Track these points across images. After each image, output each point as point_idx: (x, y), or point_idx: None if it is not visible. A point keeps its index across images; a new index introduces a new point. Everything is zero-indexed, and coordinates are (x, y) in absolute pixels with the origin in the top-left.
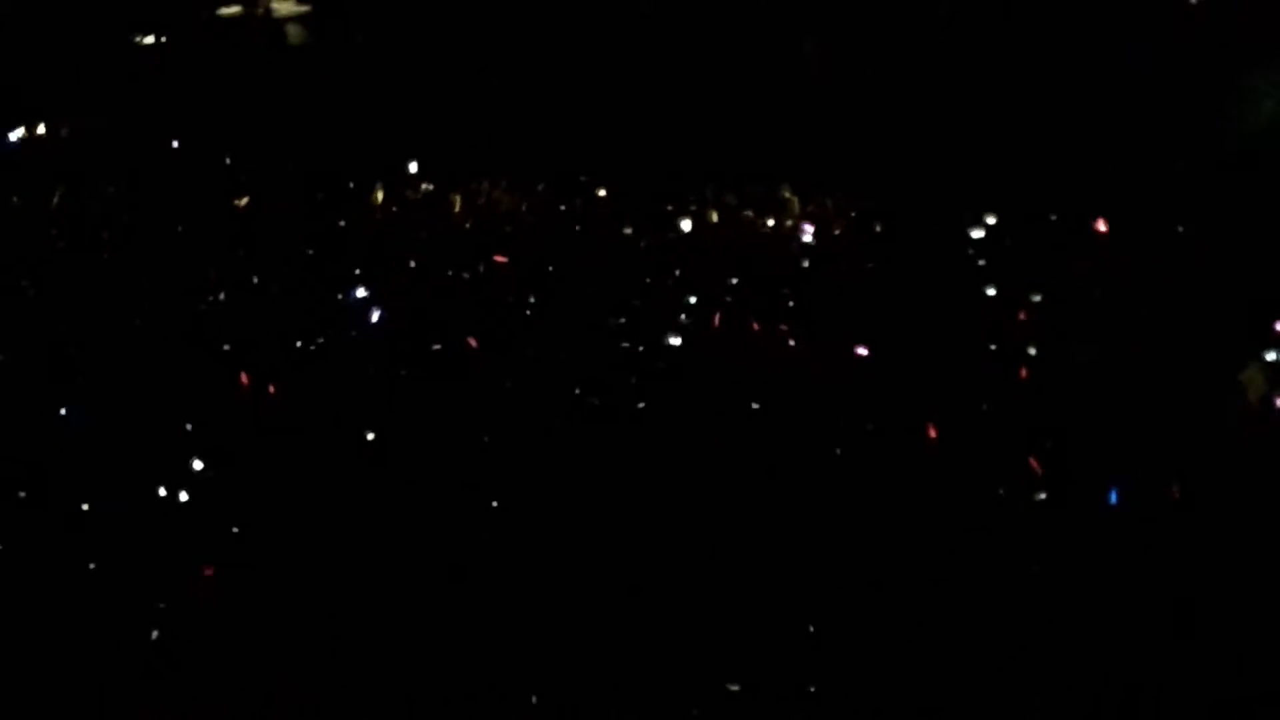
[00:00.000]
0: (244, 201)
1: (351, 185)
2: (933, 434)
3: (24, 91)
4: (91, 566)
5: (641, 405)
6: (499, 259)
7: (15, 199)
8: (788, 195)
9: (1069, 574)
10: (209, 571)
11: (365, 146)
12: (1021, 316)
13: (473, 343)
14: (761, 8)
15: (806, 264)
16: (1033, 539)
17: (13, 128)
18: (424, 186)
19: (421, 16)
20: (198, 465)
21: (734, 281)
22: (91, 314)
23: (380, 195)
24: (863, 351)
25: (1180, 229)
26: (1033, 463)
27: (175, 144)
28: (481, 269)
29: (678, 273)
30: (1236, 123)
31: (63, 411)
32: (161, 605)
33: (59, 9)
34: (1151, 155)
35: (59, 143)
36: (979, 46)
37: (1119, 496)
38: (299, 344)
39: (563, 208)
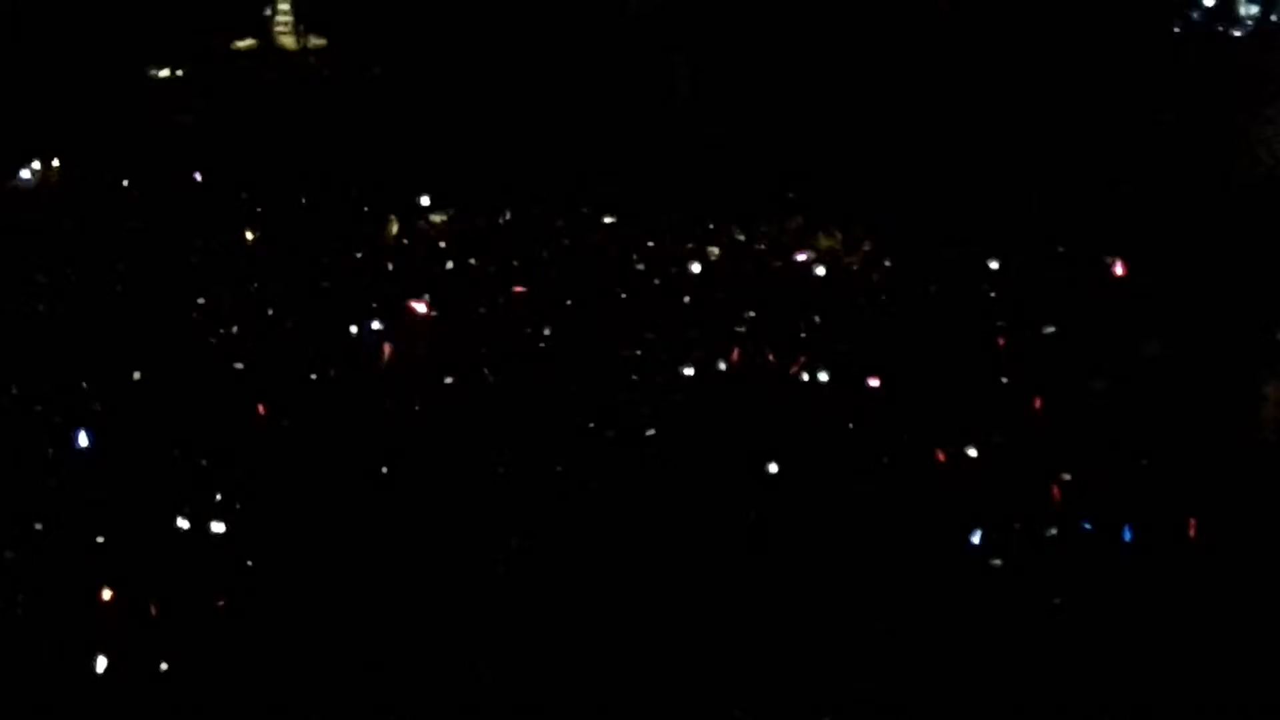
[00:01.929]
0: (254, 235)
1: (366, 217)
2: (941, 458)
3: (39, 125)
4: (111, 592)
5: (653, 434)
6: (517, 290)
7: (32, 231)
8: (799, 228)
9: (1084, 604)
10: (221, 601)
11: (380, 178)
12: (1035, 348)
13: (488, 374)
14: (763, 50)
15: (820, 297)
16: (1048, 570)
17: (28, 161)
18: (436, 219)
19: (439, 50)
20: (217, 496)
21: (749, 314)
22: (107, 345)
23: (394, 228)
24: (875, 383)
25: (1195, 259)
26: (1054, 492)
27: (194, 177)
28: (500, 300)
29: (692, 305)
30: (1263, 156)
31: (80, 442)
32: (179, 630)
33: (75, 43)
34: (1165, 188)
35: (74, 176)
36: (1000, 83)
37: (1133, 532)
38: (314, 375)
39: (578, 241)
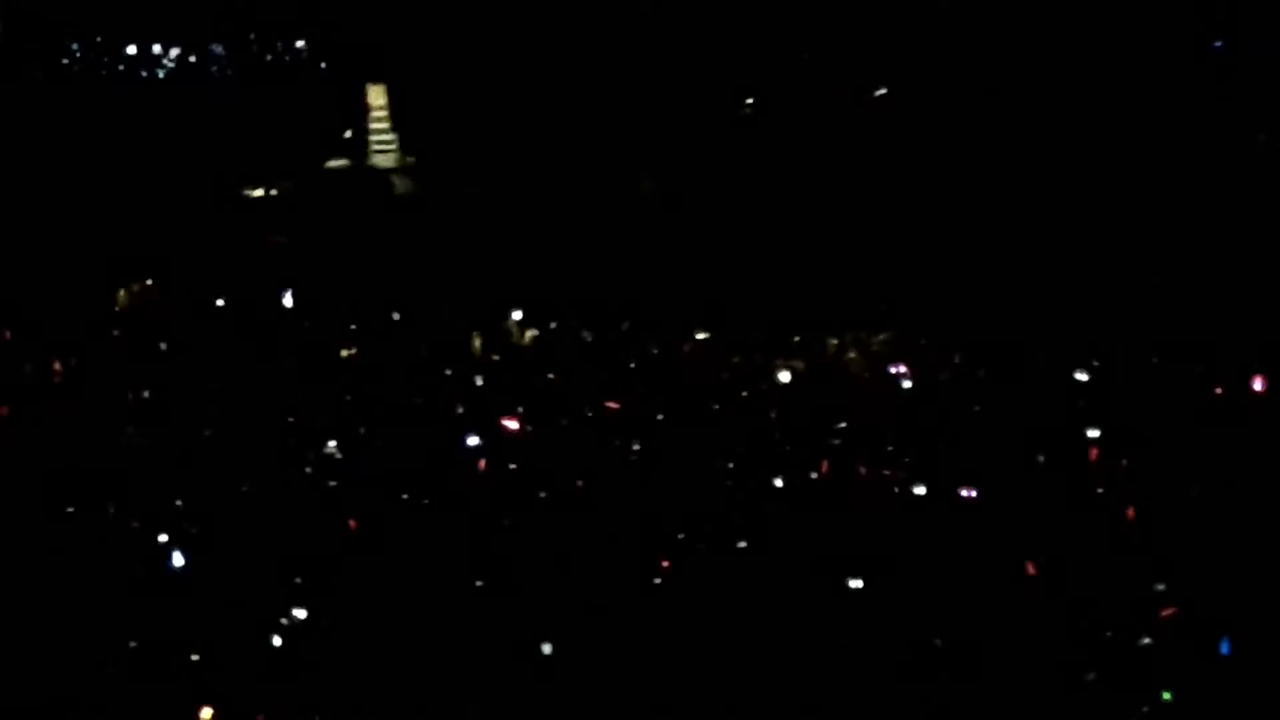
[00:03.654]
0: (351, 352)
1: (457, 333)
2: (1032, 571)
3: (135, 243)
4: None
5: (745, 547)
6: (610, 405)
7: (128, 351)
8: (889, 340)
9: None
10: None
11: (471, 294)
12: (1125, 459)
13: (580, 484)
14: (854, 164)
15: (909, 408)
16: (1142, 684)
17: (127, 281)
18: (529, 334)
19: (531, 169)
20: (300, 614)
21: (840, 426)
22: (201, 465)
23: (478, 344)
24: (969, 494)
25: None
26: (1165, 615)
27: (284, 297)
28: (589, 414)
29: (780, 418)
30: None
31: (174, 560)
32: None
33: (168, 162)
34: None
35: (168, 295)
36: (1091, 194)
37: (1230, 647)
38: (407, 493)
39: (667, 355)
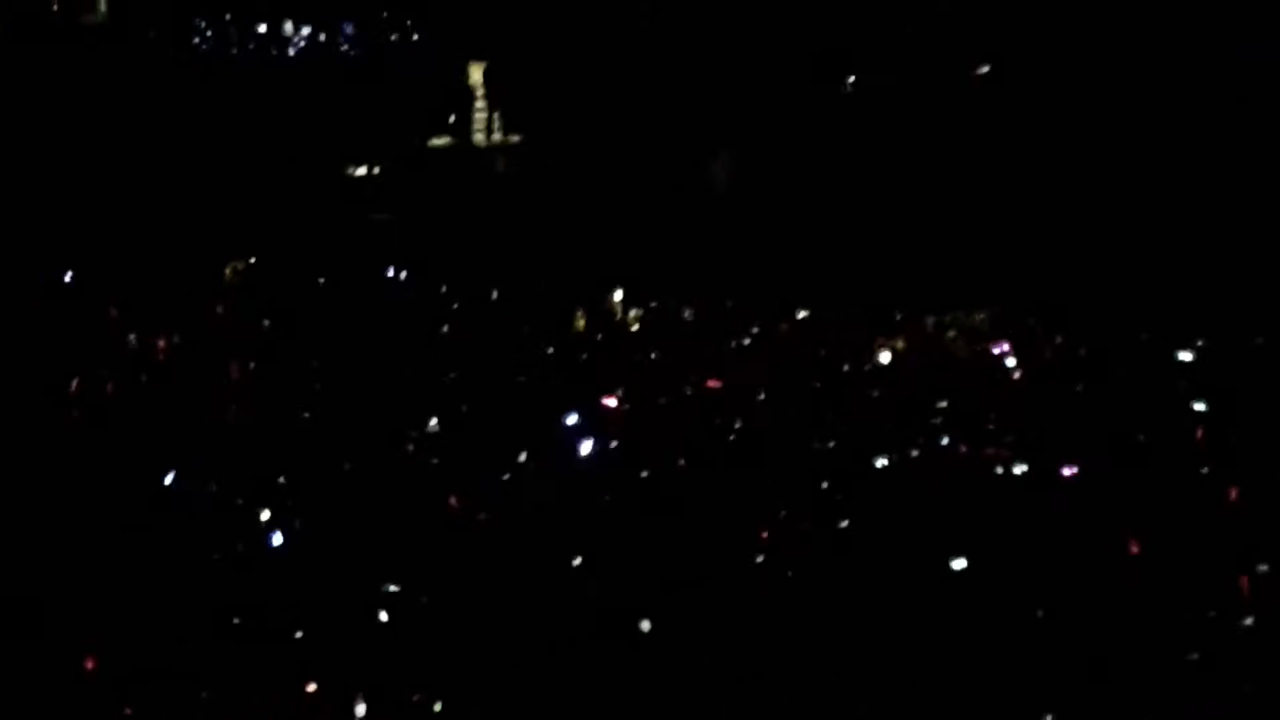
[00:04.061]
0: (449, 329)
1: (558, 311)
2: (1135, 550)
3: (237, 223)
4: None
5: (847, 526)
6: (711, 383)
7: (228, 330)
8: (992, 317)
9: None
10: (417, 696)
11: (573, 272)
12: (1231, 438)
13: (682, 463)
14: (950, 144)
15: (1012, 388)
16: (1242, 662)
17: (230, 259)
18: (632, 312)
19: (633, 145)
20: (393, 587)
21: (941, 404)
22: (302, 444)
23: (582, 322)
24: (1070, 471)
25: None
26: (1243, 583)
27: (388, 273)
28: (689, 392)
29: (882, 397)
30: None
31: (274, 539)
32: None
33: (273, 140)
34: None
35: (271, 274)
36: (1188, 173)
37: None
38: (506, 472)
39: (769, 333)
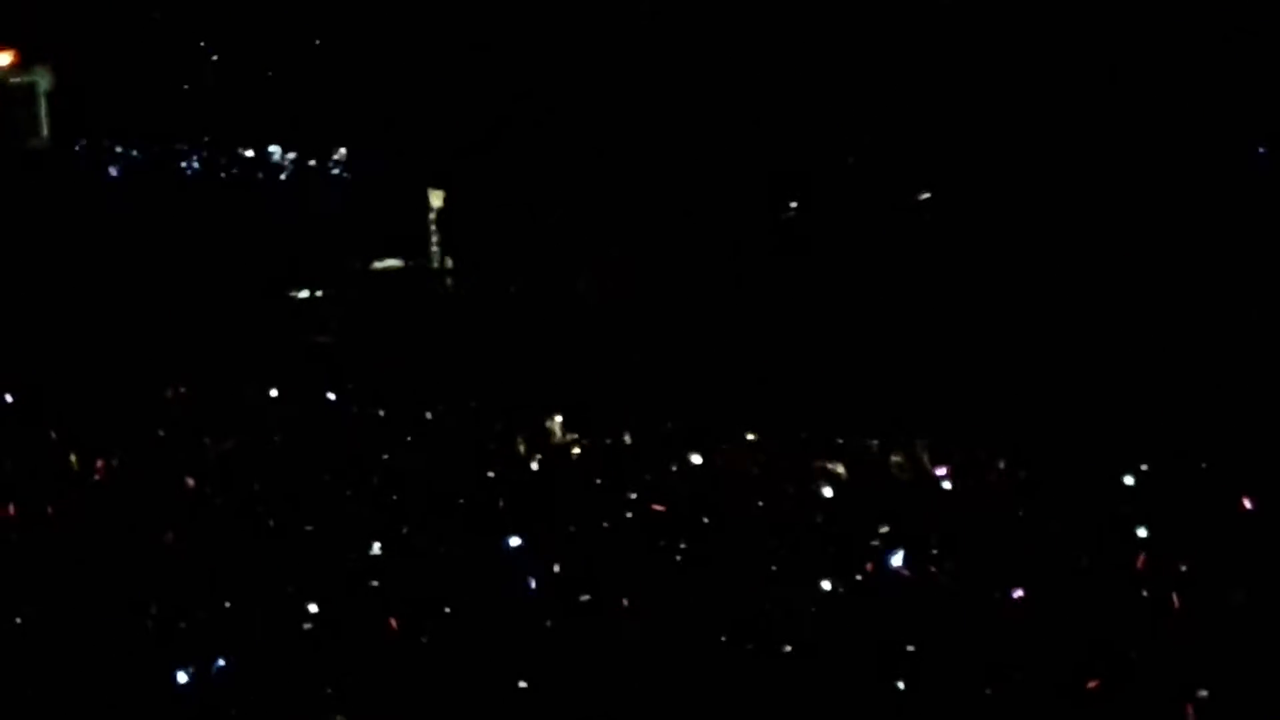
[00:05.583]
0: (388, 455)
1: (499, 438)
2: (1078, 672)
3: (176, 345)
4: None
5: (790, 650)
6: (656, 508)
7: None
8: (932, 444)
9: None
10: None
11: (513, 399)
12: (1177, 564)
13: (625, 603)
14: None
15: (955, 511)
16: None
17: (171, 382)
18: (569, 438)
19: (575, 269)
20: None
21: (883, 530)
22: (246, 565)
23: (523, 447)
24: (1019, 594)
25: None
26: (1188, 711)
27: (330, 397)
28: (630, 516)
29: (825, 521)
30: None
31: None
32: None
33: (215, 264)
34: None
35: (211, 398)
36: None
37: None
38: (448, 599)
39: (709, 459)
